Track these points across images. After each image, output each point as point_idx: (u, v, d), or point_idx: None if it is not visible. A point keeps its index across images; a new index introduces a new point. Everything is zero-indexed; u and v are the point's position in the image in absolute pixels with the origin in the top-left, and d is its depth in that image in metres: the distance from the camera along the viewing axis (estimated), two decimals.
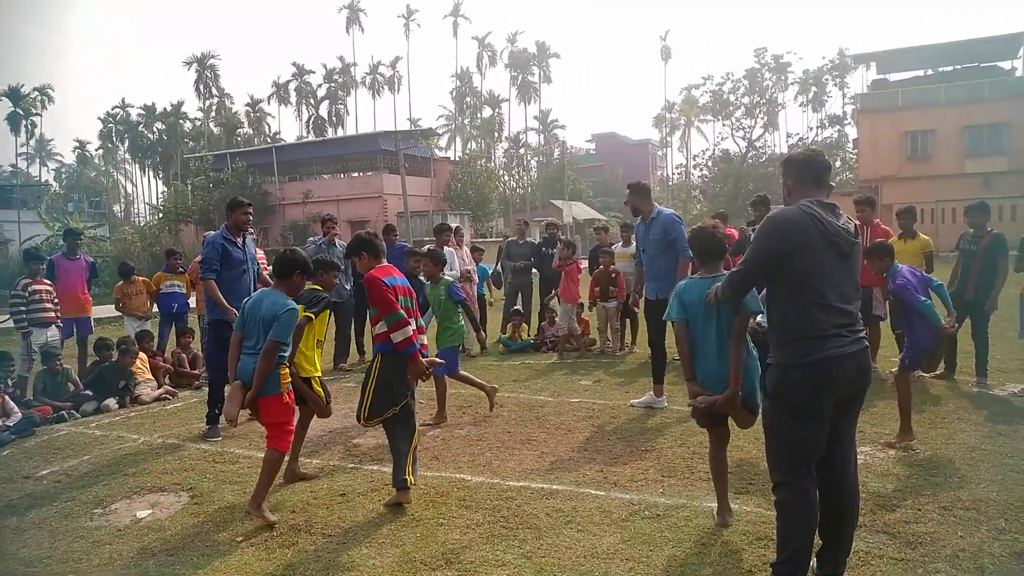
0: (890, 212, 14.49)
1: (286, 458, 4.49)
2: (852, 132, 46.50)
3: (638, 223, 6.74)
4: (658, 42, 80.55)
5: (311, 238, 8.90)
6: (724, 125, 51.41)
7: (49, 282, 7.92)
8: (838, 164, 47.82)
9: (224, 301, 5.94)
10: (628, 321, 9.81)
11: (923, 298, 4.95)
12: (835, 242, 2.88)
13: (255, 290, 6.22)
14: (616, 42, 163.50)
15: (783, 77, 50.64)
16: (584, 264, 10.96)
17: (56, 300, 7.91)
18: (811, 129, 51.77)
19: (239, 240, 6.31)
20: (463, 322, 6.50)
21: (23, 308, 7.60)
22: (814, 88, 52.40)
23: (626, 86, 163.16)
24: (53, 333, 7.82)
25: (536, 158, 70.03)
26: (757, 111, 49.34)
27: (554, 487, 4.49)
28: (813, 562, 3.05)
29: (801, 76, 51.26)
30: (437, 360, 4.61)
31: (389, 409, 4.27)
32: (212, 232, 6.48)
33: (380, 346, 4.41)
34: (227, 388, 4.46)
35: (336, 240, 8.83)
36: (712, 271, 3.74)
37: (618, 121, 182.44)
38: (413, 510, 4.18)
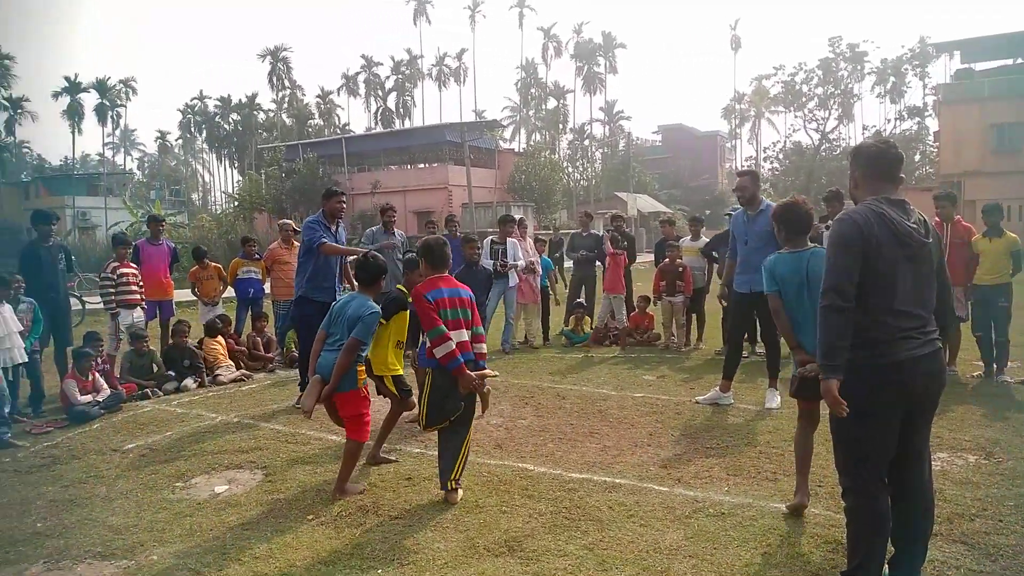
0: (974, 209, 13.86)
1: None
2: (933, 124, 44.58)
3: (738, 214, 6.64)
4: (728, 31, 78.76)
5: (369, 228, 9.06)
6: (796, 116, 49.90)
7: (135, 266, 8.31)
8: (917, 158, 45.90)
9: (346, 247, 6.70)
10: (694, 316, 9.68)
11: None
12: (905, 243, 2.78)
13: (342, 273, 6.80)
14: (684, 32, 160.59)
15: (859, 67, 48.85)
16: (651, 258, 10.85)
17: (141, 283, 8.30)
18: (889, 121, 49.89)
19: (332, 227, 6.68)
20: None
21: (112, 290, 8.01)
22: (892, 78, 50.42)
23: (694, 77, 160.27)
24: (138, 314, 8.22)
25: (601, 150, 69.51)
26: (831, 102, 47.70)
27: (617, 481, 4.50)
28: (886, 569, 2.98)
29: (879, 66, 49.42)
30: (490, 372, 4.33)
31: (443, 421, 4.25)
32: (310, 216, 6.88)
33: (427, 361, 4.33)
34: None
35: (395, 230, 8.96)
36: (798, 246, 3.81)
37: (685, 112, 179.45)
38: (476, 497, 4.26)
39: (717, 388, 6.47)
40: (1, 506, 4.42)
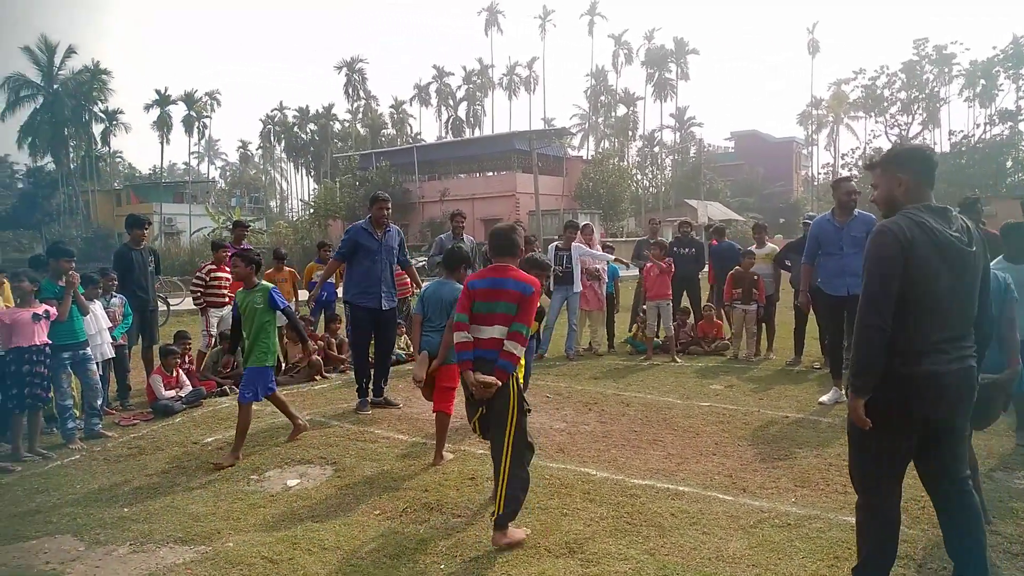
0: None
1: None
2: None
3: (823, 221, 6.78)
4: (805, 35, 76.49)
5: (439, 235, 9.24)
6: (877, 122, 48.19)
7: (229, 270, 8.67)
8: (1009, 164, 43.52)
9: (315, 287, 7.11)
10: (764, 326, 9.46)
11: None
12: (946, 253, 2.68)
13: (391, 278, 6.87)
14: (759, 36, 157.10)
15: (946, 69, 46.71)
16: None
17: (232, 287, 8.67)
18: (978, 126, 47.28)
19: (378, 232, 6.79)
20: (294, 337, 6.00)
21: (201, 290, 8.40)
22: (983, 81, 47.85)
23: (769, 82, 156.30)
24: (227, 313, 8.59)
25: (671, 156, 68.60)
26: (915, 107, 45.85)
27: (680, 488, 4.46)
28: None
29: (968, 68, 47.03)
30: (488, 379, 3.69)
31: (472, 420, 4.02)
32: (355, 224, 7.07)
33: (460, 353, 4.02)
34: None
35: (464, 236, 9.10)
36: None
37: (760, 118, 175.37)
38: (538, 499, 4.29)
39: (835, 388, 6.63)
40: (92, 491, 4.72)
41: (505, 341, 3.72)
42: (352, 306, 6.80)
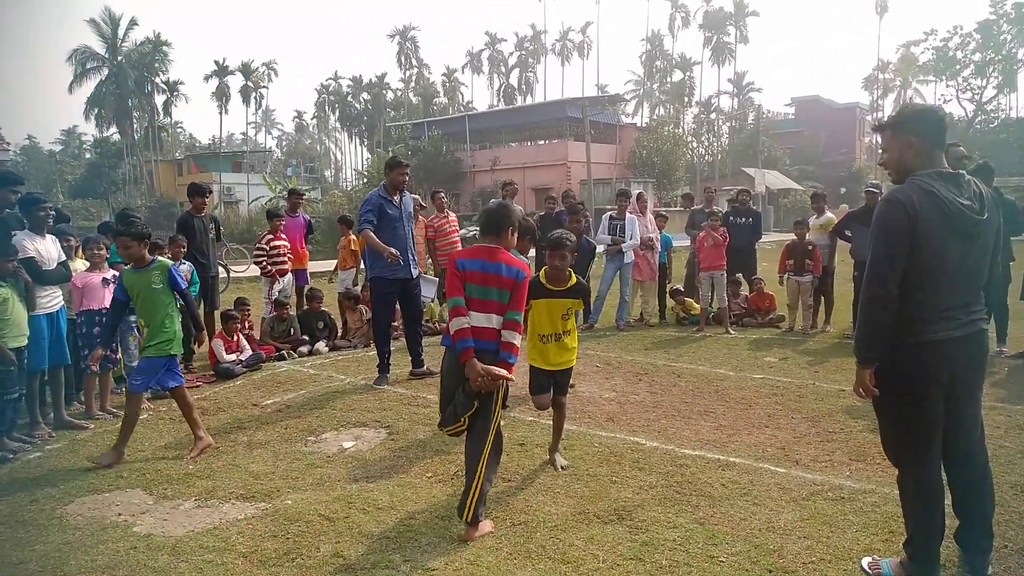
0: None
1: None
2: None
3: None
4: None
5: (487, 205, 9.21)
6: (948, 86, 45.86)
7: (285, 237, 8.89)
8: None
9: (381, 243, 6.32)
10: (822, 298, 9.22)
11: None
12: (956, 222, 2.62)
13: (412, 247, 6.68)
14: None
15: None
16: (778, 236, 10.38)
17: (291, 254, 8.90)
18: None
19: (395, 198, 6.62)
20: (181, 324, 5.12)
21: (265, 259, 8.63)
22: None
23: (833, 45, 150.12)
24: (288, 280, 8.82)
25: (728, 123, 66.85)
26: (990, 69, 43.41)
27: (731, 459, 4.43)
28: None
29: None
30: (501, 372, 3.45)
31: (455, 421, 3.56)
32: (372, 192, 6.78)
33: (444, 338, 3.75)
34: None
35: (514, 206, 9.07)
36: None
37: (822, 83, 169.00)
38: (587, 466, 4.33)
39: None
40: (159, 448, 4.95)
41: (502, 331, 3.53)
42: (379, 280, 6.59)
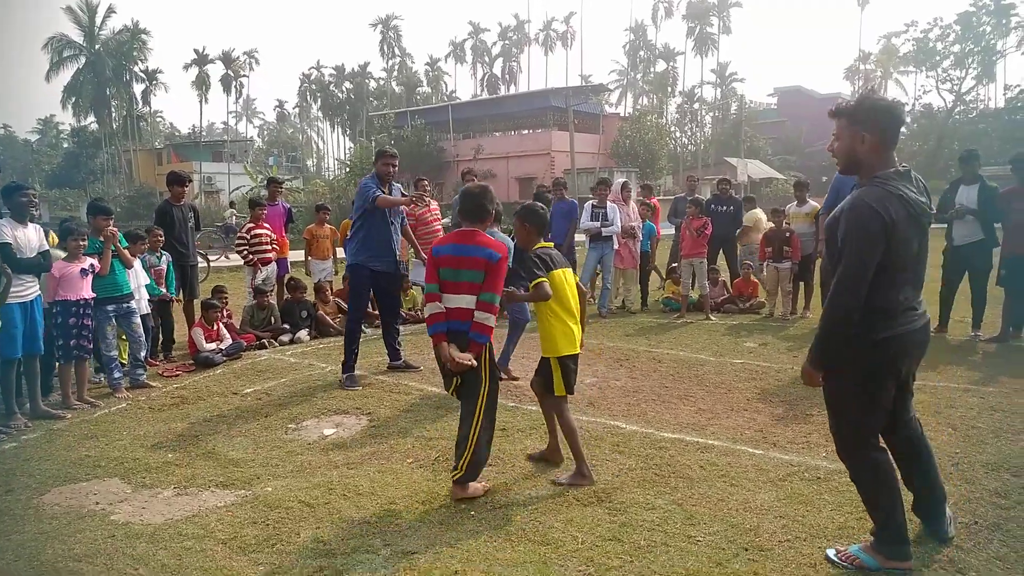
0: None
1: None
2: None
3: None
4: None
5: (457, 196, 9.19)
6: (928, 77, 46.22)
7: (268, 226, 8.82)
8: None
9: (397, 199, 6.31)
10: (802, 284, 9.30)
11: None
12: (918, 220, 2.70)
13: (397, 238, 6.49)
14: None
15: (1004, 21, 44.40)
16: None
17: (275, 243, 8.83)
18: None
19: (384, 189, 6.35)
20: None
21: (246, 248, 8.56)
22: None
23: (815, 36, 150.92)
24: (271, 269, 8.77)
25: (711, 113, 67.02)
26: (969, 60, 43.80)
27: (709, 442, 4.47)
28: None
29: None
30: (464, 358, 3.55)
31: (448, 388, 3.82)
32: (364, 178, 6.59)
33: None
34: None
35: None
36: None
37: (804, 74, 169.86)
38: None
39: None
40: (138, 437, 4.91)
41: (475, 312, 3.58)
42: (359, 268, 6.34)
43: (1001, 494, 3.58)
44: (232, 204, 30.54)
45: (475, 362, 3.62)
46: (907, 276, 2.75)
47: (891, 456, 2.94)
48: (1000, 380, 5.75)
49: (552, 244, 4.10)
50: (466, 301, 3.59)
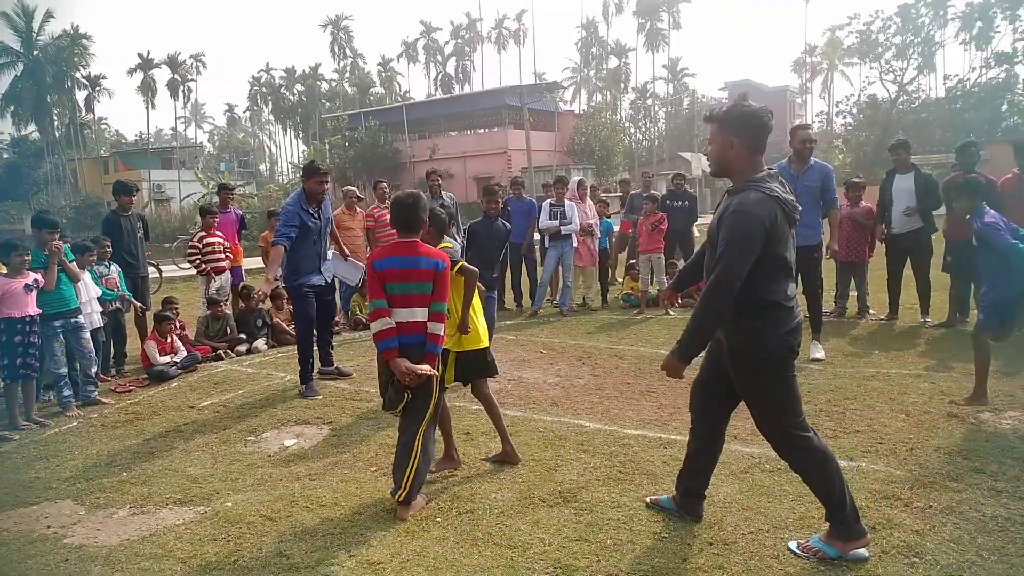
0: None
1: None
2: (1023, 72, 41.67)
3: (782, 170, 6.35)
4: None
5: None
6: (872, 68, 47.26)
7: (221, 234, 8.63)
8: (1004, 108, 43.13)
9: (273, 269, 6.00)
10: None
11: (1014, 241, 4.64)
12: (793, 220, 2.87)
13: (326, 256, 6.34)
14: None
15: (942, 13, 45.83)
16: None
17: (229, 251, 8.64)
18: (974, 69, 46.65)
19: (313, 207, 6.06)
20: None
21: (199, 257, 8.37)
22: (979, 23, 47.00)
23: (762, 30, 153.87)
24: (226, 278, 8.58)
25: (664, 109, 67.85)
26: (910, 51, 45.06)
27: (672, 437, 4.52)
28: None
29: (964, 11, 46.15)
30: (424, 369, 3.51)
31: (391, 410, 3.71)
32: (290, 197, 6.27)
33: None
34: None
35: (443, 193, 9.01)
36: None
37: (753, 68, 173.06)
38: (532, 451, 4.35)
39: (814, 342, 6.48)
40: (90, 456, 4.76)
41: (428, 323, 3.57)
42: (300, 289, 6.13)
43: (954, 477, 3.69)
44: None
45: (436, 372, 3.61)
46: (790, 271, 2.91)
47: (817, 437, 3.03)
48: (950, 365, 5.93)
49: (451, 245, 4.10)
50: (418, 314, 3.57)
